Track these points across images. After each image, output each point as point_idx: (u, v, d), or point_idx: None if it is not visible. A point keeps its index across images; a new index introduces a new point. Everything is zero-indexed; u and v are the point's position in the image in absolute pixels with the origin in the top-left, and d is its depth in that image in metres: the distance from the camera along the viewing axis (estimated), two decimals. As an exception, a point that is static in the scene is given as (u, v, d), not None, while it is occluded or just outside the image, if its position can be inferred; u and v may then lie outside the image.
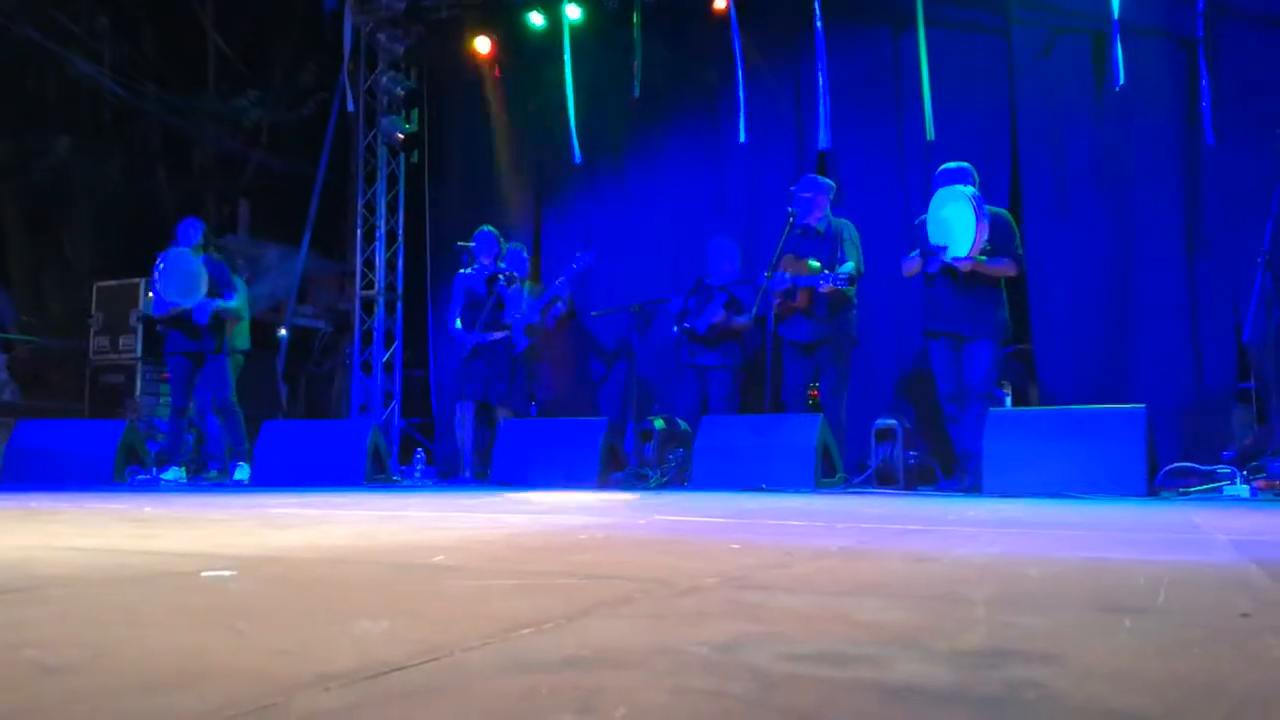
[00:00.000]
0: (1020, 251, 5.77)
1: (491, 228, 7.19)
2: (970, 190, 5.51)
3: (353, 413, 8.91)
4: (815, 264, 6.06)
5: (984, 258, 5.47)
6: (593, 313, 7.49)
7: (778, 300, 6.15)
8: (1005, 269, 5.61)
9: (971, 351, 5.62)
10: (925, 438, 6.29)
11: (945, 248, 5.52)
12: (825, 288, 5.94)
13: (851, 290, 6.07)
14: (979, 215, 5.40)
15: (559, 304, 7.33)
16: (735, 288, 6.73)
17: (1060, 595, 1.56)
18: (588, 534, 2.66)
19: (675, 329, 6.77)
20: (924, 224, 5.68)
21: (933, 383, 5.84)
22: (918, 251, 5.71)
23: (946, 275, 5.63)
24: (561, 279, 7.26)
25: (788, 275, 6.11)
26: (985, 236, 5.43)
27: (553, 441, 6.40)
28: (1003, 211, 5.83)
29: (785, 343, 6.28)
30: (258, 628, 1.23)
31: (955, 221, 5.52)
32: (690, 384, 6.82)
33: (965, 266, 5.49)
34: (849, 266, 6.03)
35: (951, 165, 5.73)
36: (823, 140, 7.06)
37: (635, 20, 7.57)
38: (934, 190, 5.72)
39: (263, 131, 10.25)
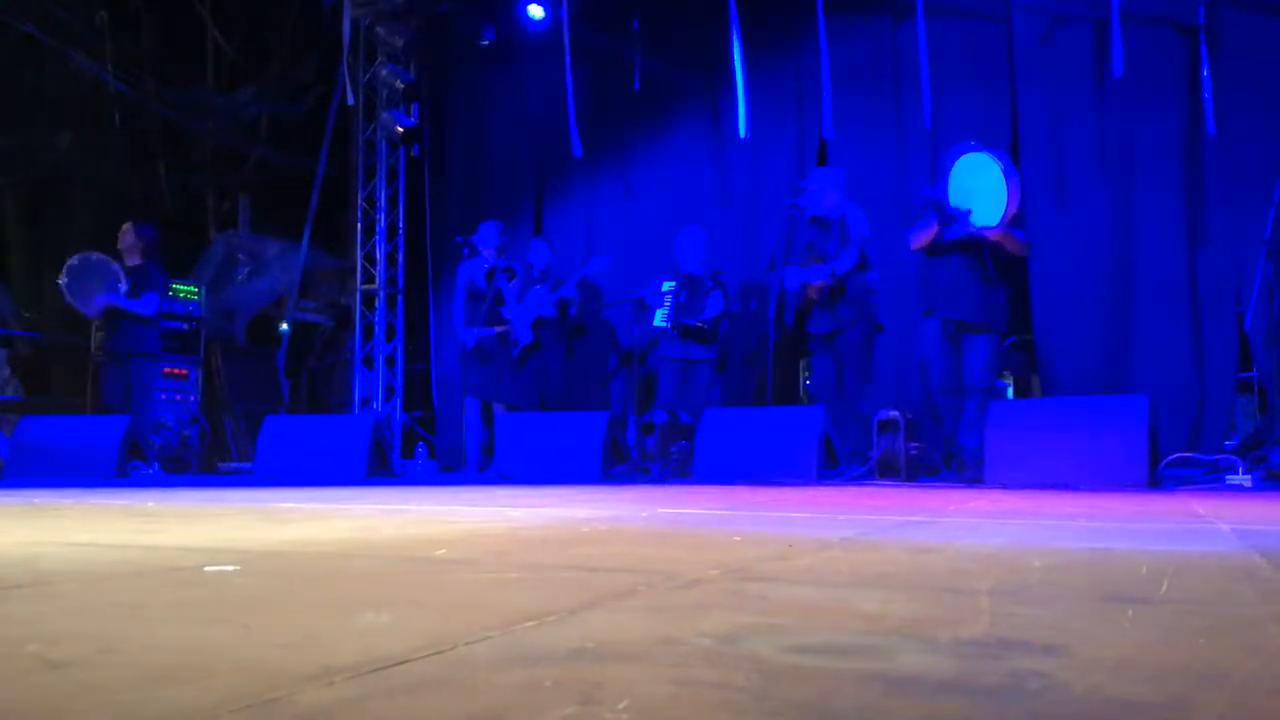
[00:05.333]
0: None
1: (495, 221, 7.19)
2: (1001, 157, 5.35)
3: (354, 407, 8.91)
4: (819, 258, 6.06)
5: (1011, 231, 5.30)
6: (595, 306, 7.49)
7: (797, 293, 6.12)
8: (1023, 246, 5.50)
9: (972, 343, 5.53)
10: (927, 429, 6.28)
11: (968, 212, 5.32)
12: (816, 284, 5.94)
13: (863, 274, 6.03)
14: (1010, 181, 5.22)
15: (573, 306, 7.32)
16: (720, 276, 6.76)
17: (1063, 586, 1.56)
18: (590, 527, 2.66)
19: (669, 324, 6.67)
20: (931, 197, 5.52)
21: (934, 373, 5.81)
22: (932, 216, 5.48)
23: (959, 251, 5.48)
24: (573, 280, 7.25)
25: (801, 270, 6.08)
26: (1018, 204, 5.25)
27: (555, 435, 6.40)
28: None
29: (809, 336, 6.26)
30: (261, 622, 1.23)
31: (982, 187, 5.29)
32: (672, 378, 6.79)
33: (995, 235, 5.30)
34: (846, 258, 5.96)
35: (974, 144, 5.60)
36: (826, 130, 7.04)
37: (635, 13, 7.55)
38: (948, 162, 5.54)
39: (262, 126, 10.23)
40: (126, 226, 7.18)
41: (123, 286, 6.93)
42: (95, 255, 7.01)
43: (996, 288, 5.55)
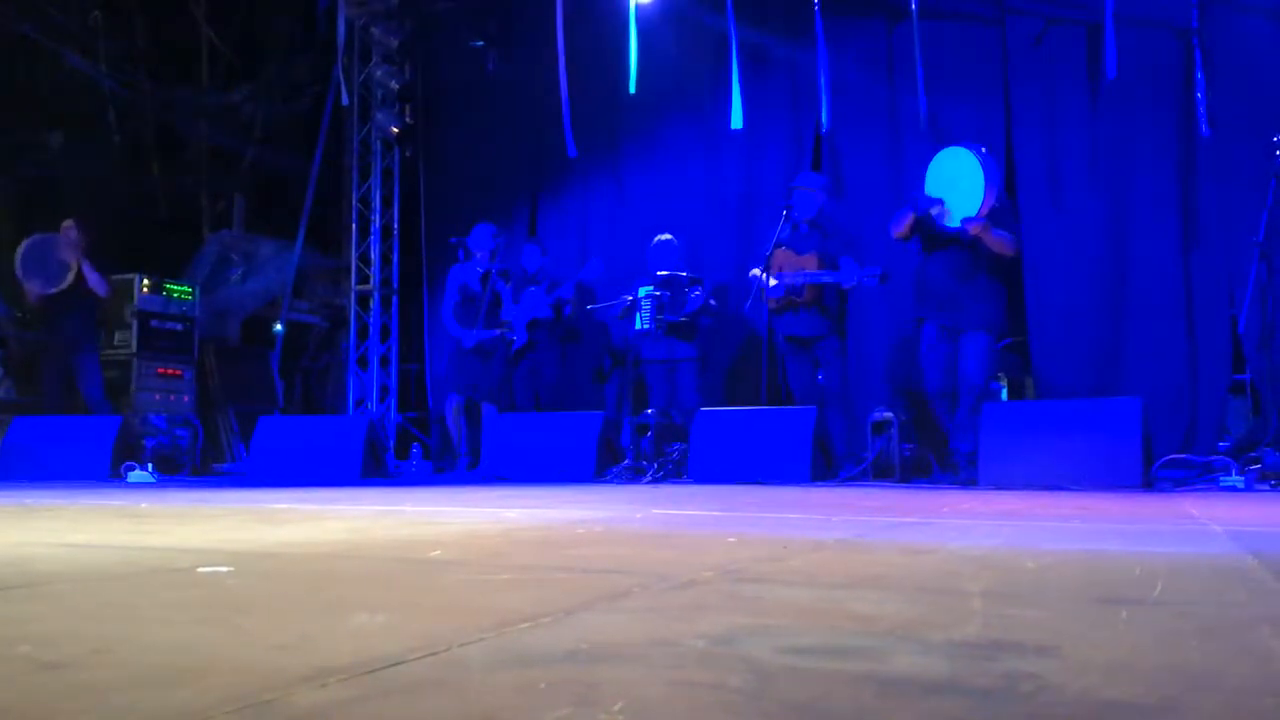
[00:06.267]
0: (1019, 235, 5.61)
1: (489, 223, 7.17)
2: (977, 149, 5.33)
3: (349, 407, 8.90)
4: (815, 259, 6.07)
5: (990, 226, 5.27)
6: (588, 307, 7.49)
7: (779, 295, 6.13)
8: (1007, 244, 5.45)
9: (965, 345, 5.50)
10: (921, 430, 6.29)
11: (941, 201, 5.33)
12: (850, 285, 5.95)
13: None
14: (988, 173, 5.20)
15: (568, 306, 7.33)
16: (701, 278, 6.83)
17: (1057, 587, 1.57)
18: (585, 528, 2.66)
19: (651, 324, 6.67)
20: (918, 197, 5.51)
21: (928, 374, 5.80)
22: (907, 206, 5.50)
23: (943, 252, 5.48)
24: (570, 282, 7.25)
25: (784, 283, 6.08)
26: (996, 196, 5.23)
27: (549, 435, 6.40)
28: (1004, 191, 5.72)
29: (784, 338, 6.27)
30: (255, 623, 1.23)
31: (961, 180, 5.28)
32: (659, 380, 6.79)
33: (974, 229, 5.25)
34: (874, 269, 5.95)
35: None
36: (824, 124, 7.05)
37: (630, 12, 7.54)
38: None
39: (257, 126, 10.21)
40: (68, 223, 7.32)
41: (68, 274, 7.10)
42: (41, 235, 7.16)
43: (990, 289, 5.56)
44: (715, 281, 7.17)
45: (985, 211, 5.27)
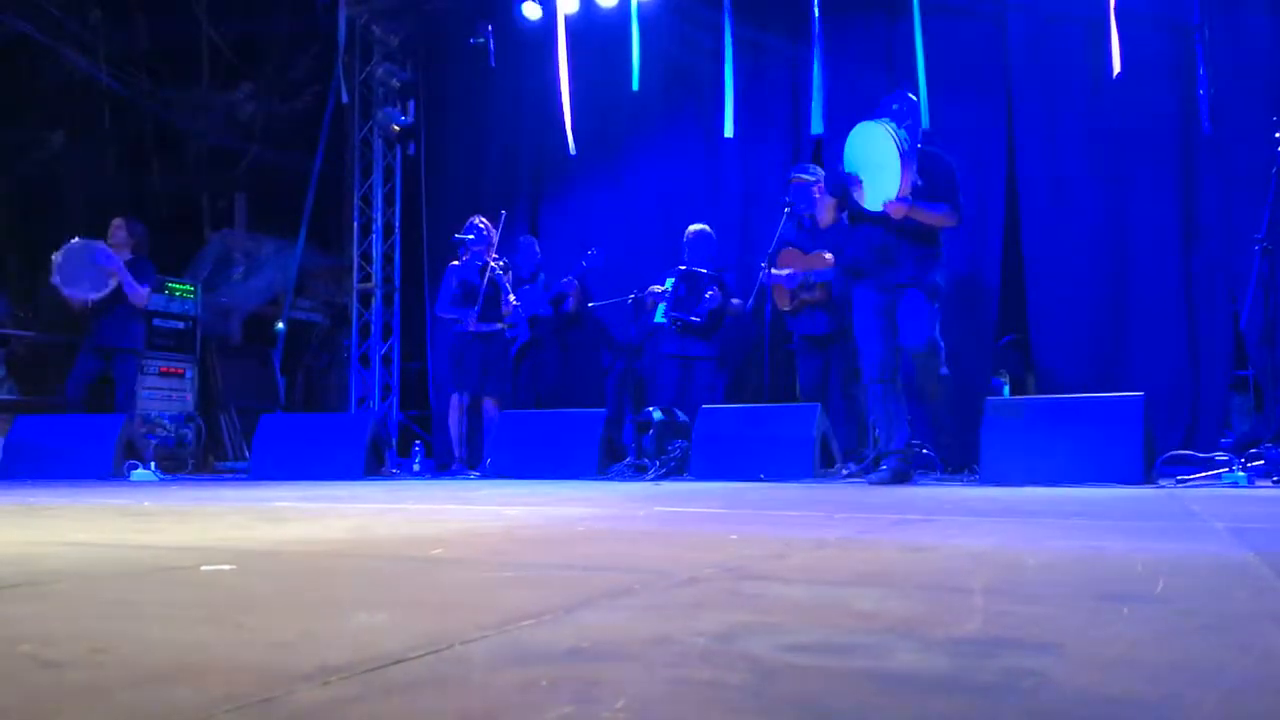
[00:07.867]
0: (960, 200, 5.07)
1: (483, 219, 7.15)
2: (888, 122, 4.85)
3: (351, 406, 8.91)
4: (828, 255, 6.03)
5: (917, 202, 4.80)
6: (589, 304, 7.49)
7: (786, 295, 6.12)
8: (944, 216, 4.95)
9: (905, 304, 4.98)
10: (922, 427, 6.28)
11: (857, 179, 4.87)
12: (825, 278, 5.93)
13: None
14: (901, 151, 4.72)
15: (568, 299, 7.33)
16: (724, 274, 6.78)
17: (1058, 583, 1.57)
18: (586, 526, 2.66)
19: (667, 319, 6.67)
20: (829, 177, 5.13)
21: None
22: (824, 192, 5.09)
23: (870, 226, 5.06)
24: (570, 276, 7.25)
25: (799, 272, 6.06)
26: (913, 173, 4.78)
27: (551, 433, 6.40)
28: (942, 153, 5.21)
29: (798, 337, 6.25)
30: (257, 621, 1.23)
31: (879, 159, 4.75)
32: (671, 375, 6.78)
33: (898, 211, 4.77)
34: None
35: (889, 97, 5.16)
36: (816, 126, 7.03)
37: (632, 11, 7.54)
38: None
39: (258, 124, 10.22)
40: (118, 221, 7.17)
41: (119, 262, 6.88)
42: (83, 241, 6.97)
43: (926, 254, 5.07)
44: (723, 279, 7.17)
45: (906, 191, 4.78)
